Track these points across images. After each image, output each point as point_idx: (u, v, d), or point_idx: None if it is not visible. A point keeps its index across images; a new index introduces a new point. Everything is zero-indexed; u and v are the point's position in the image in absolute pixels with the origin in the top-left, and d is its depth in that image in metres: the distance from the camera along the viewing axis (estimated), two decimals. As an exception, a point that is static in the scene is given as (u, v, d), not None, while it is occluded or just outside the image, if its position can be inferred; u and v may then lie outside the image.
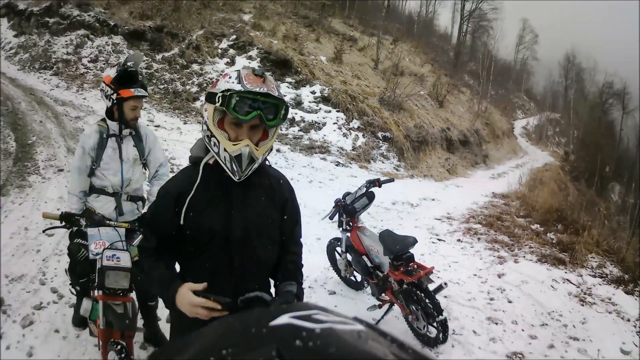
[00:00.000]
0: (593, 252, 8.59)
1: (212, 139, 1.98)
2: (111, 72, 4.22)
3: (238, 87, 1.87)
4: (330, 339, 0.47)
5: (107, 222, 3.49)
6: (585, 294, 6.84)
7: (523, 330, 5.53)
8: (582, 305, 6.45)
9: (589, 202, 16.70)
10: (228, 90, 1.88)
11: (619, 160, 37.40)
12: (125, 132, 3.70)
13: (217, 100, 1.90)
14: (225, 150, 1.94)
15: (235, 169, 1.98)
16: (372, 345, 0.48)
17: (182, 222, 2.05)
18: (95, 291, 3.39)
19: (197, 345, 0.52)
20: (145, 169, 3.94)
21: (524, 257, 7.99)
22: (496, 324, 5.54)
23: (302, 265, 2.38)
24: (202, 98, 15.51)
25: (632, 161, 39.32)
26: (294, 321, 0.51)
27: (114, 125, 3.67)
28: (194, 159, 2.14)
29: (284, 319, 0.52)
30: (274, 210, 2.21)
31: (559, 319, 5.93)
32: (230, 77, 1.94)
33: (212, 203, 2.08)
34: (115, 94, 3.56)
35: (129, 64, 3.65)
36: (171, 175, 2.75)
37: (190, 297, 1.90)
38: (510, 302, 6.19)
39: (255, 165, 2.04)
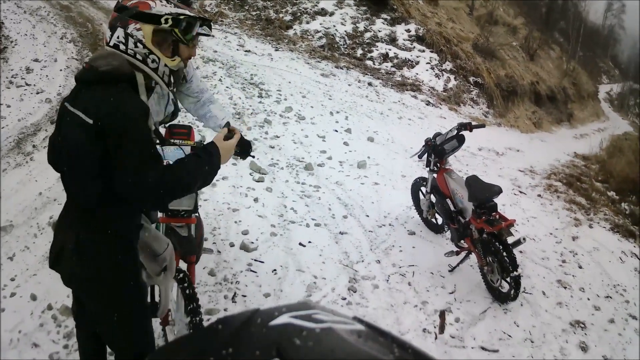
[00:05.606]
0: (663, 232, 7.85)
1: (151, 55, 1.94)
2: None
3: (187, 12, 1.95)
4: (330, 338, 0.45)
5: (172, 140, 2.99)
6: (649, 273, 6.24)
7: (589, 299, 5.04)
8: (645, 284, 5.89)
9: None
10: (178, 14, 1.92)
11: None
12: None
13: (163, 21, 1.89)
14: (165, 65, 1.97)
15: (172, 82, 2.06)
16: (372, 345, 0.45)
17: None
18: (158, 213, 2.87)
19: (197, 345, 0.49)
20: None
21: (599, 223, 7.28)
22: (565, 288, 5.08)
23: None
24: (295, 26, 15.11)
25: None
26: (294, 321, 0.48)
27: None
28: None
29: (284, 319, 0.49)
30: None
31: (623, 293, 5.37)
32: (162, 2, 1.94)
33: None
34: None
35: None
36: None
37: (229, 145, 2.00)
38: (580, 267, 5.65)
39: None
